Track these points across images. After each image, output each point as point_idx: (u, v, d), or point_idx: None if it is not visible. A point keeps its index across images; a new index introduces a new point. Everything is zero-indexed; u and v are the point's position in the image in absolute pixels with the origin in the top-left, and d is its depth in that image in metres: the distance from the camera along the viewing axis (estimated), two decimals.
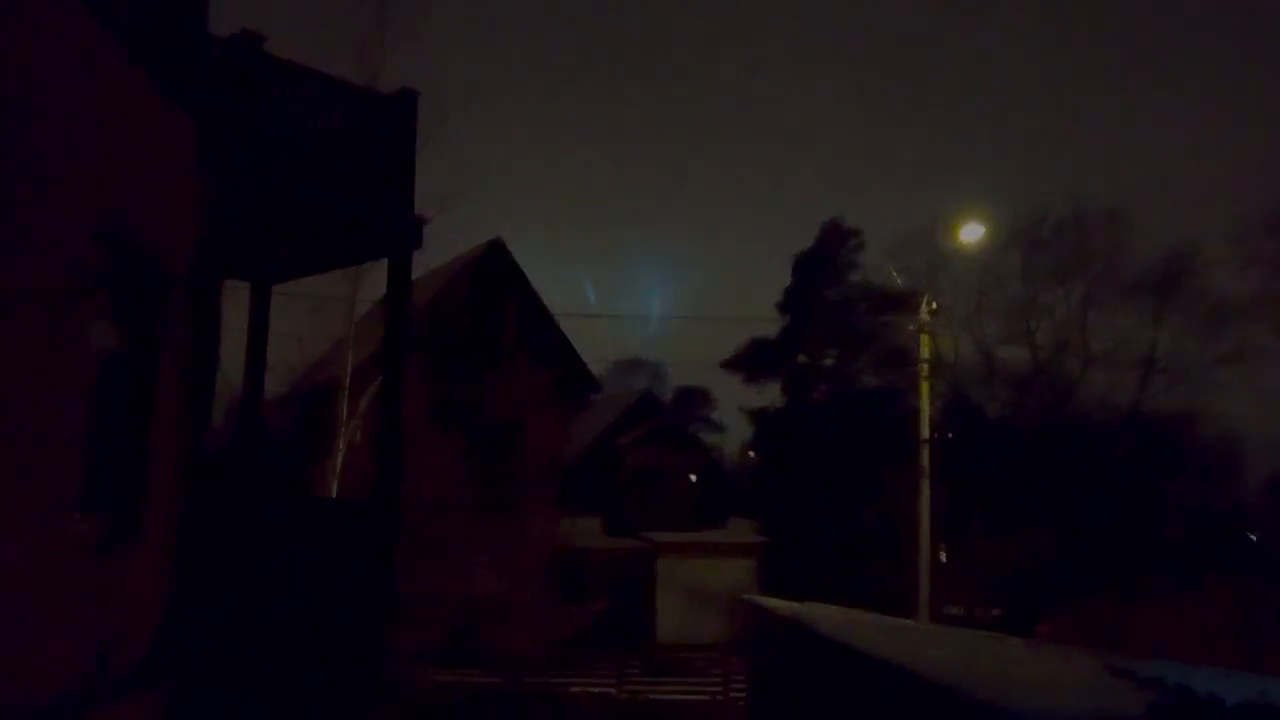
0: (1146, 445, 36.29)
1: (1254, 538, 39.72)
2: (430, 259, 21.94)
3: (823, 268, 44.87)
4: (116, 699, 6.60)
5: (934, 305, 24.01)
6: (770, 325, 45.49)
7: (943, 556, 29.35)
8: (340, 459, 19.96)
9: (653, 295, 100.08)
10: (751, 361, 46.68)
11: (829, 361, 45.30)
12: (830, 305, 44.49)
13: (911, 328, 24.02)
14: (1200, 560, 30.71)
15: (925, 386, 22.45)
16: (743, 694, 20.71)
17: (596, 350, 74.86)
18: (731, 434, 57.76)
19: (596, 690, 23.61)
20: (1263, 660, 18.75)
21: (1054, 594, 28.09)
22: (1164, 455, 35.97)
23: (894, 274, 32.34)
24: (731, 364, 47.63)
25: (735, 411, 51.23)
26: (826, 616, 11.83)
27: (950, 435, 34.79)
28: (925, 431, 21.87)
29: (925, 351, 22.83)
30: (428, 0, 22.93)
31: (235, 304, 12.68)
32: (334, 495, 19.38)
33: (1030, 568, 28.69)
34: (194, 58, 8.09)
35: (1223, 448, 35.84)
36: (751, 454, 52.25)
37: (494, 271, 30.27)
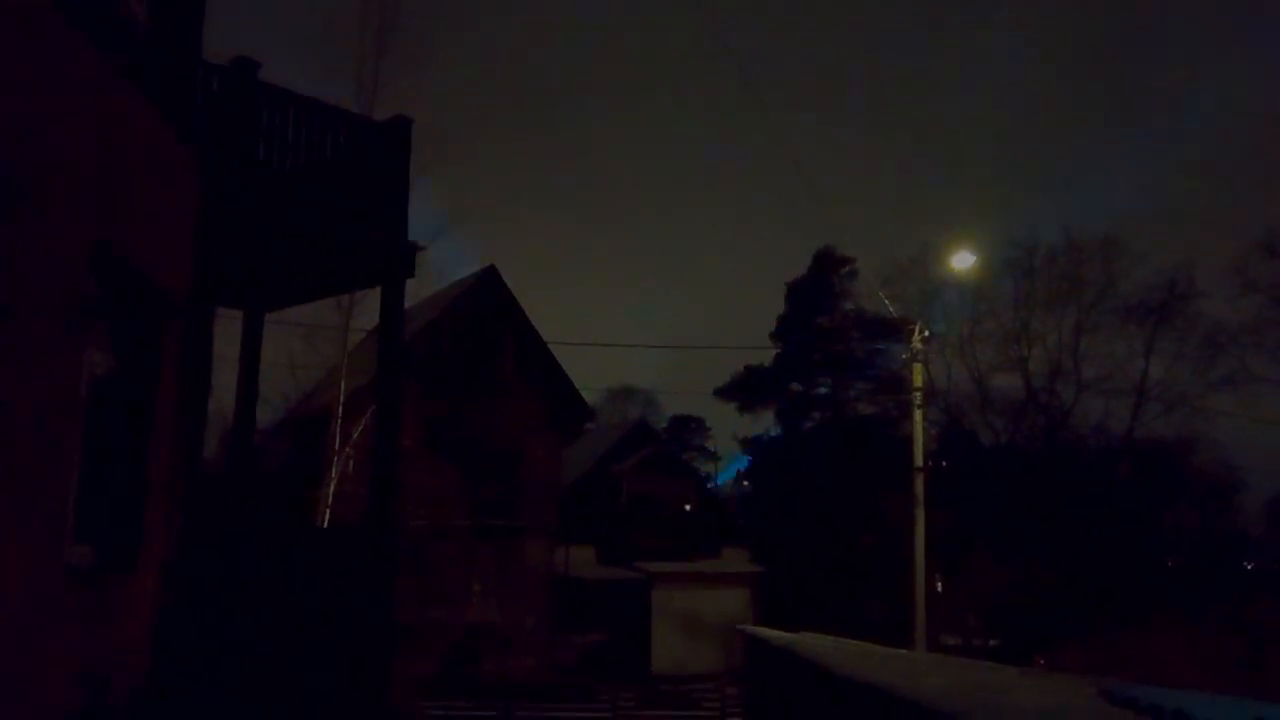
0: (1144, 472, 36.31)
1: (1249, 566, 39.68)
2: (423, 287, 21.95)
3: (816, 296, 45.01)
4: None
5: (926, 333, 24.02)
6: (764, 353, 45.64)
7: (939, 585, 29.26)
8: (333, 487, 19.89)
9: None
10: (745, 389, 46.72)
11: (823, 389, 45.35)
12: (823, 333, 44.58)
13: (904, 355, 24.00)
14: (1200, 587, 30.65)
15: (919, 414, 22.39)
16: None
17: (590, 378, 74.85)
18: (726, 462, 57.83)
19: None
20: (1264, 687, 18.68)
21: (1052, 622, 28.01)
22: (1162, 482, 35.99)
23: (886, 302, 32.39)
24: (725, 392, 47.70)
25: (729, 440, 51.33)
26: (822, 646, 11.79)
27: (945, 463, 34.81)
28: (919, 459, 21.80)
29: (918, 380, 22.79)
30: (427, 30, 23.08)
31: (227, 332, 12.69)
32: (326, 523, 19.29)
33: (1028, 596, 28.61)
34: (191, 85, 8.12)
35: (1219, 474, 35.85)
36: (745, 482, 52.21)
37: (488, 300, 30.28)
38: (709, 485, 47.71)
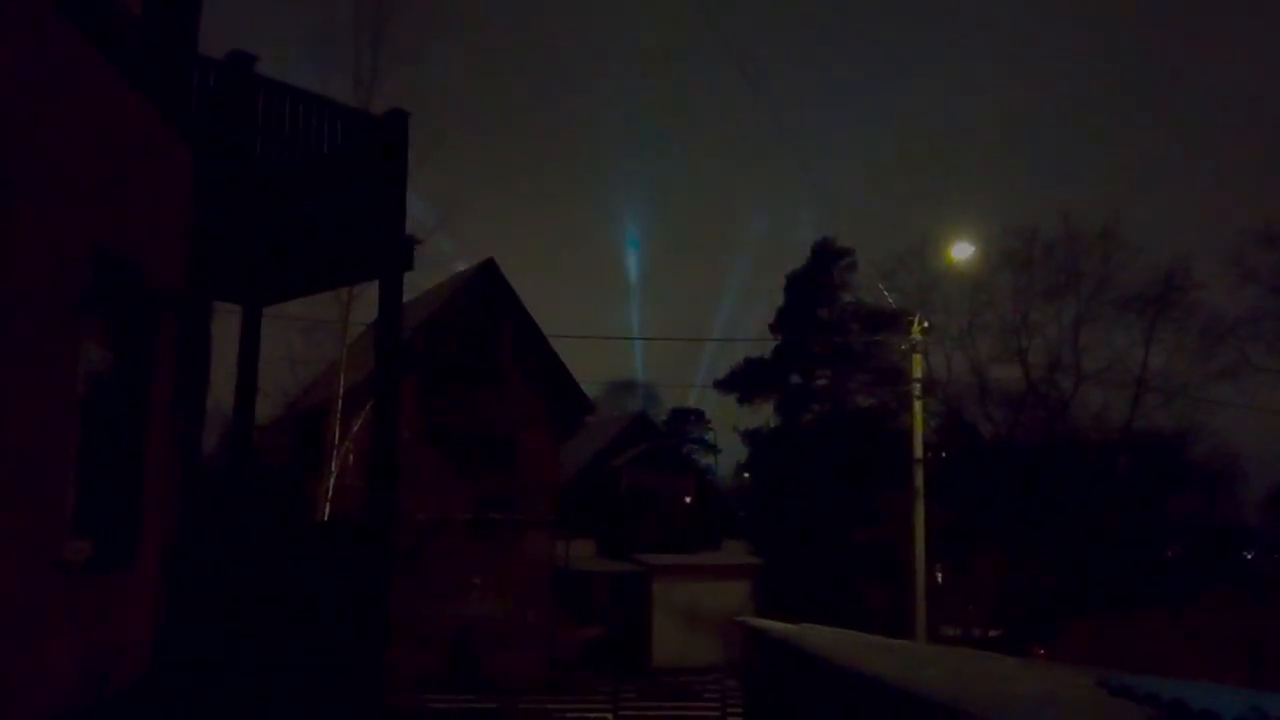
0: (1143, 463, 36.28)
1: (1248, 556, 39.76)
2: (422, 280, 21.91)
3: (815, 287, 44.93)
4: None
5: (926, 324, 24.02)
6: (764, 345, 45.59)
7: (939, 577, 29.29)
8: (332, 481, 19.90)
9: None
10: (745, 382, 46.67)
11: (822, 381, 45.28)
12: (823, 325, 44.52)
13: (904, 347, 23.99)
14: (1199, 577, 30.69)
15: (918, 406, 22.42)
16: (740, 717, 20.62)
17: (590, 371, 74.83)
18: (726, 455, 57.79)
19: (592, 715, 23.47)
20: (1263, 676, 18.72)
21: (1053, 613, 28.04)
22: (1161, 473, 35.96)
23: (886, 293, 32.35)
24: (725, 384, 47.66)
25: (729, 432, 51.27)
26: (822, 638, 11.81)
27: (944, 454, 34.80)
28: (918, 451, 21.83)
29: (917, 371, 22.81)
30: (426, 22, 23.01)
31: (226, 327, 12.69)
32: (325, 517, 19.31)
33: (1027, 587, 28.64)
34: (186, 80, 8.10)
35: (1219, 465, 35.85)
36: (746, 475, 52.19)
37: (487, 293, 30.26)
38: (709, 478, 47.71)
